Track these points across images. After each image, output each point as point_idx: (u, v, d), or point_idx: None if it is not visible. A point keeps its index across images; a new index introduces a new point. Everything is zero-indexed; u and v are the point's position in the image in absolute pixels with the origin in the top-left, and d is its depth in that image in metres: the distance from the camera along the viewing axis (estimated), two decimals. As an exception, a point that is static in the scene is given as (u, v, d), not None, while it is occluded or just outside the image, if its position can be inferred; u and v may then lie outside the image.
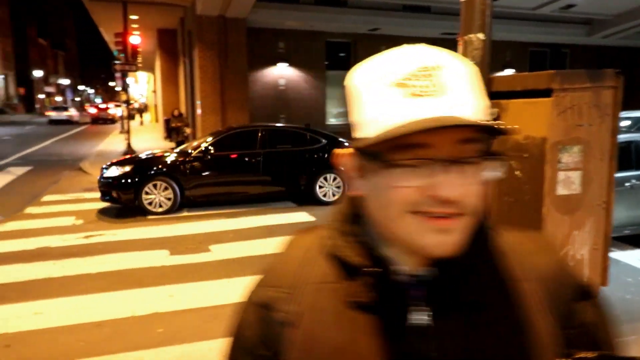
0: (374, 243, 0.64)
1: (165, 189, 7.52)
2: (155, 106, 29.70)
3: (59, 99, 74.46)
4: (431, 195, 0.56)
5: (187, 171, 7.72)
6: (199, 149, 7.93)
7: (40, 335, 3.66)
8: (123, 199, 7.44)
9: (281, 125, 9.84)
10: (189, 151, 7.95)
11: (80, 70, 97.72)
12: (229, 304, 4.15)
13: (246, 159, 8.10)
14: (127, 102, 16.39)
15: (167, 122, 20.31)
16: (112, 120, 37.54)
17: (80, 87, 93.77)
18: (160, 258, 5.44)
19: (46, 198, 8.93)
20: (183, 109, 18.28)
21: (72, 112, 37.79)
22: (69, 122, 35.68)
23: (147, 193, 7.45)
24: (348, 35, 16.87)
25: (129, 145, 15.65)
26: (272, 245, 5.87)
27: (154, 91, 30.59)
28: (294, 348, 0.65)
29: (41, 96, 62.67)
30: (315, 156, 8.35)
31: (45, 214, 7.61)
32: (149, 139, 21.14)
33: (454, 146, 0.56)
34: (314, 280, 0.68)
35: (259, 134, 8.35)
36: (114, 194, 7.45)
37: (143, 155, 8.36)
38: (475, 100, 0.58)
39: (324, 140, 8.50)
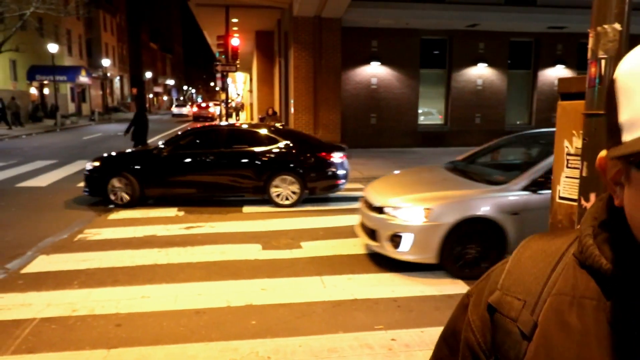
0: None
1: (126, 184, 7.84)
2: (251, 105, 30.99)
3: (165, 98, 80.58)
4: None
5: (149, 168, 7.96)
6: (160, 148, 8.24)
7: (147, 318, 3.92)
8: (91, 191, 8.02)
9: (238, 125, 9.46)
10: (152, 149, 8.34)
11: (184, 72, 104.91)
12: (320, 301, 4.16)
13: (201, 159, 8.06)
14: (227, 101, 17.20)
15: (261, 121, 21.13)
16: (211, 118, 39.76)
17: (184, 87, 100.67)
18: (254, 252, 5.61)
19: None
20: (277, 108, 18.87)
21: (187, 109, 48.86)
22: (185, 116, 45.60)
23: (113, 186, 7.85)
24: (444, 32, 16.31)
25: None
26: (362, 245, 5.82)
27: (250, 90, 31.93)
28: None
29: (150, 96, 68.15)
30: (271, 157, 8.01)
31: (152, 205, 8.21)
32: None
33: None
34: (560, 292, 0.60)
35: (217, 134, 8.45)
36: (85, 186, 8.04)
37: (126, 151, 8.75)
38: None
39: (284, 142, 8.13)
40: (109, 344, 3.50)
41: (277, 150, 8.14)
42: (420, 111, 16.78)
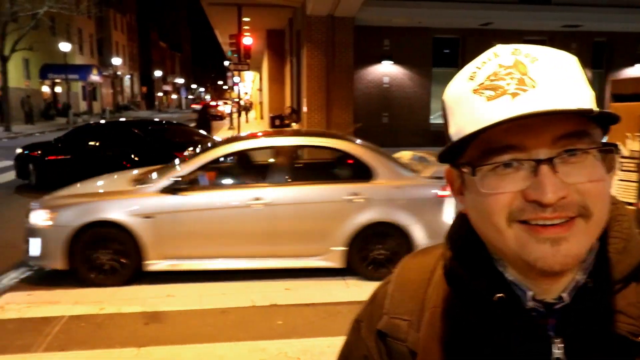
0: (493, 264, 0.59)
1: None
2: (261, 103, 31.04)
3: (174, 96, 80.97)
4: (532, 200, 0.51)
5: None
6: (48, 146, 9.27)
7: (174, 317, 3.96)
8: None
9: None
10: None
11: (193, 71, 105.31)
12: (344, 302, 4.18)
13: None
14: (238, 99, 17.25)
15: (272, 119, 21.17)
16: (220, 117, 39.92)
17: (193, 86, 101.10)
18: (274, 251, 5.63)
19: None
20: (288, 107, 18.89)
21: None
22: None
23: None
24: (457, 31, 16.25)
25: (238, 141, 16.53)
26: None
27: (260, 89, 31.99)
28: None
29: (159, 94, 68.53)
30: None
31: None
32: (255, 135, 22.16)
33: (553, 144, 0.51)
34: (433, 305, 0.64)
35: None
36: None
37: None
38: (574, 90, 0.53)
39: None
40: (139, 342, 3.54)
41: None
42: (432, 110, 16.74)
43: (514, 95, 0.51)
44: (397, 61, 16.28)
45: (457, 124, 0.56)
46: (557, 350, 0.55)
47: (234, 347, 3.49)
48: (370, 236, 4.68)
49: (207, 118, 13.48)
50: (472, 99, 0.54)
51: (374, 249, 4.69)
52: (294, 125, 14.33)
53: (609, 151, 0.54)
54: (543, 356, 0.56)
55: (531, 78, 0.52)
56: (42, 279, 4.77)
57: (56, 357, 3.34)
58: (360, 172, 4.83)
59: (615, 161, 0.56)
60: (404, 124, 16.25)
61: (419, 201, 4.74)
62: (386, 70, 16.37)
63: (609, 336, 0.54)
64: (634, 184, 2.00)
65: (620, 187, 2.18)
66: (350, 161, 5.01)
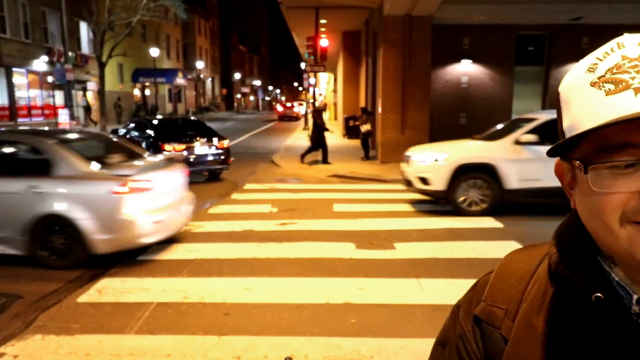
0: (601, 262, 0.57)
1: None
2: (335, 105, 31.28)
3: (252, 98, 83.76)
4: None
5: None
6: None
7: (252, 309, 4.12)
8: None
9: None
10: None
11: (270, 73, 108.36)
12: (419, 304, 4.12)
13: None
14: (313, 100, 17.49)
15: (346, 120, 21.25)
16: (296, 118, 40.74)
17: (269, 88, 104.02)
18: (348, 250, 5.67)
19: (247, 186, 10.09)
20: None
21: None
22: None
23: None
24: (543, 27, 15.37)
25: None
26: (458, 249, 5.67)
27: (334, 90, 32.25)
28: None
29: (238, 96, 71.23)
30: None
31: (247, 201, 8.60)
32: (329, 136, 22.35)
33: None
34: (532, 297, 0.64)
35: None
36: None
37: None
38: None
39: None
40: (220, 331, 3.72)
41: None
42: (514, 110, 15.98)
43: (638, 90, 0.49)
44: (476, 60, 15.72)
45: (571, 118, 0.55)
46: None
47: (308, 341, 3.57)
48: (48, 227, 5.06)
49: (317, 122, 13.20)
50: (590, 92, 0.52)
51: (53, 239, 5.08)
52: (364, 127, 14.22)
53: None
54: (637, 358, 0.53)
55: None
56: (134, 267, 5.16)
57: (146, 339, 3.59)
58: (41, 166, 5.20)
59: None
60: (483, 125, 15.58)
61: (92, 196, 5.05)
62: (465, 70, 15.86)
63: None
64: None
65: None
66: (35, 155, 5.36)
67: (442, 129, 15.38)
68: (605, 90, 0.51)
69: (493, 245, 5.83)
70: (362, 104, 18.63)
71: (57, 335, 3.64)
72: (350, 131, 20.53)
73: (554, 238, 0.64)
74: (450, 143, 8.57)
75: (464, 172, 7.29)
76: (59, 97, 25.75)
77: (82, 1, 24.40)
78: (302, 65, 27.65)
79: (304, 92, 21.37)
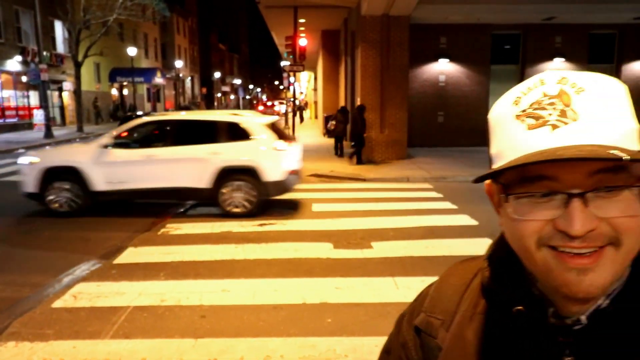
0: (527, 279, 0.61)
1: None
2: (315, 103, 31.31)
3: (232, 97, 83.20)
4: (561, 230, 0.52)
5: None
6: None
7: (229, 311, 4.14)
8: None
9: None
10: None
11: (250, 71, 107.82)
12: (394, 302, 4.20)
13: None
14: (294, 99, 17.47)
15: (326, 119, 21.30)
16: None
17: (250, 86, 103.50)
18: (325, 250, 5.73)
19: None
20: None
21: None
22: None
23: None
24: (518, 27, 15.67)
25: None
26: (433, 247, 5.77)
27: (315, 89, 32.30)
28: None
29: (218, 95, 70.69)
30: None
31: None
32: (309, 135, 22.42)
33: (588, 178, 0.52)
34: (465, 309, 0.69)
35: None
36: None
37: None
38: (616, 125, 0.52)
39: None
40: (196, 333, 3.74)
41: None
42: (491, 109, 16.23)
43: (554, 127, 0.53)
44: (453, 59, 15.94)
45: (497, 146, 0.58)
46: None
47: (285, 342, 3.61)
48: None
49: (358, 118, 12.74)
50: (513, 125, 0.56)
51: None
52: (330, 124, 14.43)
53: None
54: None
55: (574, 110, 0.53)
56: (110, 271, 5.12)
57: (122, 344, 3.59)
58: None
59: None
60: (461, 123, 15.88)
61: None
62: (442, 69, 16.07)
63: None
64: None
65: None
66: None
67: (420, 128, 15.57)
68: (526, 125, 0.54)
69: (467, 242, 5.95)
70: (342, 102, 18.72)
71: (30, 342, 3.61)
72: (332, 131, 20.59)
73: (487, 253, 0.69)
74: (67, 146, 9.41)
75: (55, 175, 7.36)
76: (33, 97, 25.23)
77: (56, 0, 23.94)
78: (283, 64, 27.61)
79: (284, 90, 21.47)
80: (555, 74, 0.57)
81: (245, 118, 7.65)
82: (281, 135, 7.78)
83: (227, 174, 7.29)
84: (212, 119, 7.86)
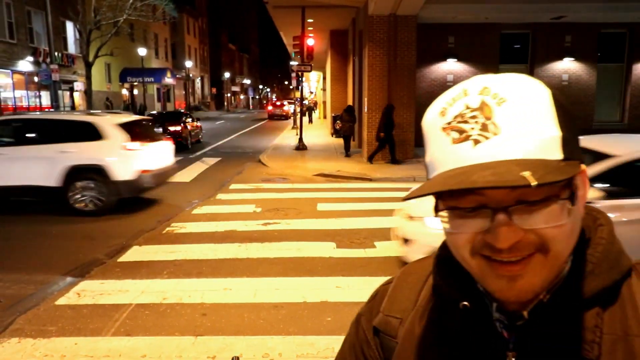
0: (472, 276, 0.62)
1: None
2: (324, 103, 31.32)
3: (242, 97, 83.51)
4: (486, 243, 0.54)
5: None
6: None
7: (230, 309, 4.16)
8: None
9: None
10: None
11: (260, 71, 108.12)
12: (394, 302, 4.19)
13: None
14: (302, 99, 17.49)
15: (334, 119, 21.29)
16: (285, 117, 40.70)
17: (260, 86, 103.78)
18: (328, 249, 5.73)
19: (232, 186, 10.12)
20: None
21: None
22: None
23: None
24: (526, 26, 15.53)
25: (300, 140, 16.82)
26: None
27: (324, 89, 32.30)
28: None
29: (228, 95, 71.00)
30: None
31: (231, 201, 8.63)
32: (317, 135, 22.44)
33: (510, 192, 0.52)
34: (419, 306, 0.70)
35: None
36: None
37: None
38: (538, 137, 0.52)
39: None
40: (196, 331, 3.77)
41: None
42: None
43: (476, 142, 0.53)
44: (462, 59, 15.85)
45: (430, 155, 0.59)
46: None
47: (283, 340, 3.62)
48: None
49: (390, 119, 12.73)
50: (441, 137, 0.56)
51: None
52: (337, 124, 14.42)
53: (564, 199, 0.53)
54: None
55: (495, 124, 0.53)
56: (114, 269, 5.18)
57: (122, 341, 3.63)
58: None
59: (579, 199, 0.56)
60: (469, 123, 15.77)
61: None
62: (450, 68, 15.99)
63: (559, 357, 0.56)
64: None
65: None
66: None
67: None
68: (451, 138, 0.55)
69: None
70: (350, 102, 18.71)
71: (33, 339, 3.66)
72: (338, 130, 20.58)
73: (436, 252, 0.70)
74: None
75: None
76: (45, 97, 25.51)
77: (67, 1, 24.19)
78: (292, 64, 27.68)
79: (293, 90, 21.58)
80: (477, 84, 0.56)
81: (98, 118, 7.78)
82: (139, 135, 7.88)
83: (77, 173, 7.44)
84: (64, 118, 8.16)
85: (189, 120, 18.58)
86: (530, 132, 0.53)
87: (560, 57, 15.71)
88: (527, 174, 0.49)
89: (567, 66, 15.76)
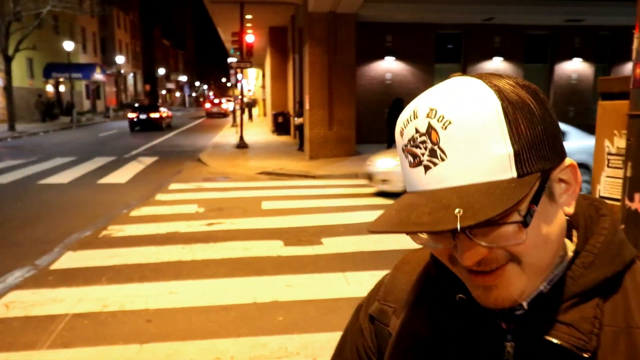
0: None
1: None
2: (264, 101, 31.05)
3: (178, 94, 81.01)
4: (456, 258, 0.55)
5: None
6: None
7: (176, 314, 4.00)
8: None
9: None
10: None
11: (196, 68, 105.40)
12: (345, 298, 4.21)
13: None
14: (242, 96, 17.25)
15: (274, 117, 21.17)
16: (224, 114, 39.98)
17: (196, 84, 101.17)
18: (276, 248, 5.67)
19: (172, 186, 9.77)
20: (290, 104, 18.88)
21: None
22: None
23: None
24: (459, 26, 16.21)
25: (241, 138, 16.56)
26: (382, 241, 5.85)
27: (263, 86, 32.01)
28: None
29: (162, 92, 68.63)
30: None
31: (172, 201, 8.32)
32: (258, 132, 22.21)
33: None
34: (415, 296, 0.70)
35: None
36: None
37: None
38: (486, 160, 0.50)
39: None
40: (141, 339, 3.58)
41: None
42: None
43: (426, 168, 0.52)
44: (399, 57, 16.26)
45: (402, 171, 0.58)
46: (508, 354, 0.58)
47: (235, 342, 3.53)
48: None
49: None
50: (403, 157, 0.56)
51: None
52: (297, 120, 14.40)
53: (520, 221, 0.52)
54: (496, 358, 0.59)
55: (441, 149, 0.51)
56: (47, 277, 4.83)
57: (60, 354, 3.38)
58: None
59: (538, 211, 0.53)
60: (407, 120, 16.23)
61: None
62: (389, 67, 16.36)
63: (556, 348, 0.55)
64: (620, 181, 2.03)
65: (607, 184, 2.21)
66: None
67: (368, 125, 15.78)
68: (408, 162, 0.55)
69: (415, 236, 6.07)
70: (291, 100, 18.67)
71: (-44, 357, 3.33)
72: (280, 127, 20.48)
73: None
74: None
75: None
76: (-42, 94, 23.44)
77: (-18, -11, 22.33)
78: (230, 61, 27.17)
79: (232, 88, 21.15)
80: (425, 104, 0.54)
81: None
82: None
83: None
84: None
85: None
86: (478, 155, 0.50)
87: (490, 57, 16.52)
88: (458, 212, 0.47)
89: (497, 66, 16.60)
